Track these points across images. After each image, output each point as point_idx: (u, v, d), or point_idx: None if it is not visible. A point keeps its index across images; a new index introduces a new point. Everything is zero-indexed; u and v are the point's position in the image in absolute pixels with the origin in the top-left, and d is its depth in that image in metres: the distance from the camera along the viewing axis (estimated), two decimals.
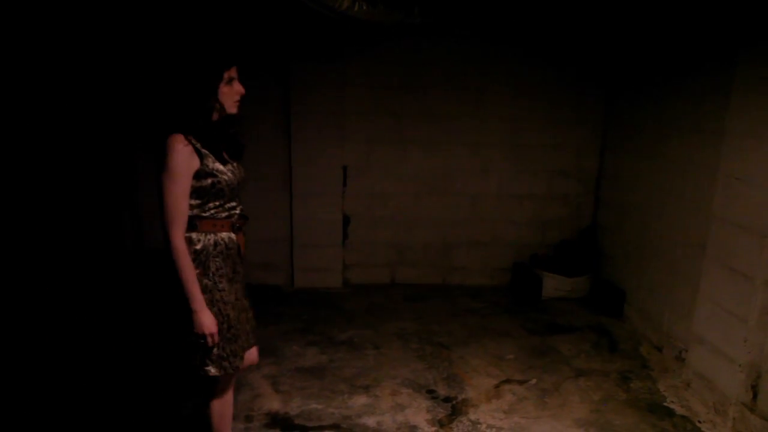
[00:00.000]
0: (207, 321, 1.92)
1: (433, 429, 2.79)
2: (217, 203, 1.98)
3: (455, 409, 2.99)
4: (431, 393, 3.13)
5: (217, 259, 1.99)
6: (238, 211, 2.06)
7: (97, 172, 4.48)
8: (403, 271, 4.92)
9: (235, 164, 2.03)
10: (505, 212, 4.88)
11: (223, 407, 2.24)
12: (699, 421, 2.92)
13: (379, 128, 4.60)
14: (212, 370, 2.00)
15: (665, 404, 3.09)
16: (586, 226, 4.92)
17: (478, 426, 2.83)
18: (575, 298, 4.60)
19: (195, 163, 1.88)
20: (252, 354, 2.26)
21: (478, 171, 4.78)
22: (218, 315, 1.97)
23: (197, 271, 1.91)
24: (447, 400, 3.07)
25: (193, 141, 1.87)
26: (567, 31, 4.48)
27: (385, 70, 4.51)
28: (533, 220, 4.91)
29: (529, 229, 4.93)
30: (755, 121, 2.75)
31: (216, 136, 1.94)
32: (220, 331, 1.97)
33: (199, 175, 1.90)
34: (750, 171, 2.78)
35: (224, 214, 2.01)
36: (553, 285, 4.59)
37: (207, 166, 1.91)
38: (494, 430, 2.80)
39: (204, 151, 1.90)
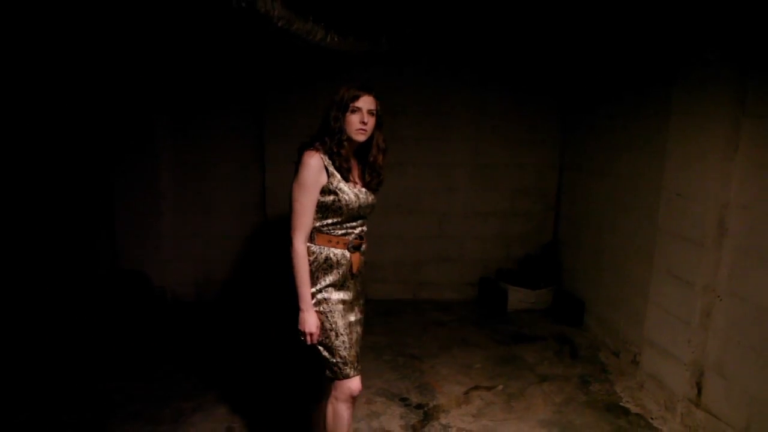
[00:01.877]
0: (309, 320, 2.12)
1: (403, 427, 2.95)
2: (336, 221, 2.16)
3: (427, 414, 3.16)
4: (404, 401, 3.29)
5: (327, 273, 2.16)
6: (357, 232, 2.22)
7: (71, 192, 4.53)
8: (375, 287, 5.08)
9: (364, 189, 2.20)
10: (472, 229, 5.12)
11: (335, 414, 2.28)
12: (651, 418, 3.16)
13: None
14: (327, 372, 2.21)
15: (621, 404, 3.32)
16: (548, 241, 5.19)
17: (449, 429, 3.01)
18: (539, 309, 4.84)
19: (323, 179, 2.10)
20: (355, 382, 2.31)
21: (444, 190, 5.03)
22: (326, 321, 2.16)
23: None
24: (419, 407, 3.24)
25: (325, 159, 2.10)
26: (525, 58, 4.79)
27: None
28: (498, 236, 5.16)
29: (495, 245, 5.17)
30: (691, 144, 3.05)
31: (344, 159, 2.13)
32: (327, 337, 2.16)
33: (323, 191, 2.11)
34: (688, 187, 3.07)
35: (340, 232, 2.18)
36: (517, 297, 4.83)
37: (332, 183, 2.11)
38: None
39: (331, 169, 2.11)
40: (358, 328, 2.29)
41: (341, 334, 2.18)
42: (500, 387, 3.50)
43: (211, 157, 4.79)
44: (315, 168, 2.09)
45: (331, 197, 2.12)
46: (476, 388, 3.49)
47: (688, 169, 3.07)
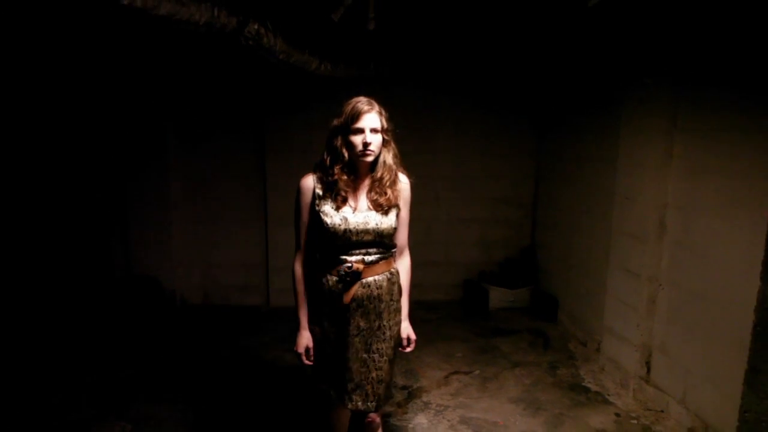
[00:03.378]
0: (300, 341, 2.21)
1: (392, 409, 3.37)
2: (330, 246, 2.11)
3: (411, 394, 3.59)
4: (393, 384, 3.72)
5: (323, 301, 2.17)
6: (353, 260, 2.09)
7: (87, 201, 4.99)
8: None
9: (365, 213, 2.09)
10: (456, 235, 5.58)
11: (332, 424, 2.39)
12: (608, 395, 3.59)
13: None
14: (321, 386, 2.25)
15: (583, 384, 3.76)
16: (526, 245, 5.65)
17: (429, 405, 3.44)
18: (518, 307, 5.28)
19: (311, 201, 2.11)
20: (371, 418, 2.38)
21: (430, 200, 5.49)
22: (318, 345, 2.20)
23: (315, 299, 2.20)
24: (404, 388, 3.67)
25: (316, 181, 2.11)
26: (503, 80, 5.28)
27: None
28: (480, 241, 5.62)
29: (477, 250, 5.63)
30: (636, 154, 3.52)
31: (333, 182, 2.07)
32: (318, 360, 2.22)
33: (314, 214, 2.11)
34: (634, 191, 3.54)
35: (335, 260, 2.11)
36: (498, 297, 5.27)
37: (317, 206, 2.10)
38: (442, 407, 3.41)
39: (319, 192, 2.11)
40: (358, 364, 2.16)
41: (328, 364, 2.19)
42: (477, 372, 3.94)
43: (217, 172, 5.26)
44: (302, 190, 2.12)
45: (319, 220, 2.09)
46: (456, 372, 3.92)
47: (634, 175, 3.55)
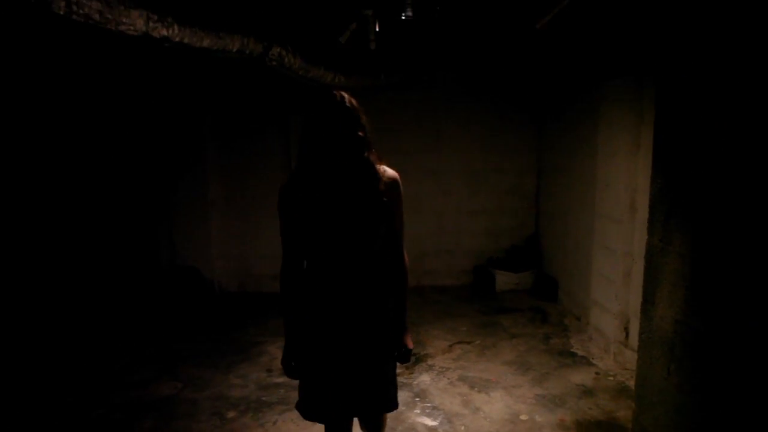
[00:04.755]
0: (282, 354, 2.09)
1: (400, 370, 3.93)
2: (317, 254, 1.97)
3: (418, 359, 4.14)
4: None
5: (309, 311, 2.01)
6: (341, 270, 1.95)
7: (137, 199, 5.69)
8: None
9: (344, 218, 1.90)
10: (465, 225, 6.10)
11: None
12: (592, 358, 4.08)
13: None
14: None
15: (571, 350, 4.25)
16: (531, 233, 6.14)
17: (433, 367, 3.99)
18: (522, 289, 5.78)
19: (286, 208, 1.96)
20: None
21: (440, 193, 6.03)
22: (304, 357, 2.04)
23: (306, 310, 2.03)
24: (413, 354, 4.21)
25: (292, 188, 1.95)
26: (505, 81, 5.79)
27: None
28: (488, 230, 6.13)
29: (485, 238, 6.14)
30: (611, 145, 4.01)
31: (309, 183, 1.92)
32: (302, 373, 2.07)
33: (289, 217, 1.96)
34: (611, 178, 4.02)
35: (320, 267, 1.98)
36: (503, 280, 5.78)
37: (289, 212, 1.96)
38: (444, 369, 3.96)
39: (295, 198, 1.93)
40: (341, 381, 2.01)
41: (308, 378, 2.07)
42: (477, 342, 4.47)
43: (249, 172, 5.90)
44: (283, 193, 1.98)
45: (300, 223, 1.94)
46: (459, 342, 4.46)
47: (611, 164, 4.03)
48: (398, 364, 2.17)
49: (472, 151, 5.98)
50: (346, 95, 1.91)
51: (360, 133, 1.87)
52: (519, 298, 5.60)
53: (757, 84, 1.44)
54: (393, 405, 2.12)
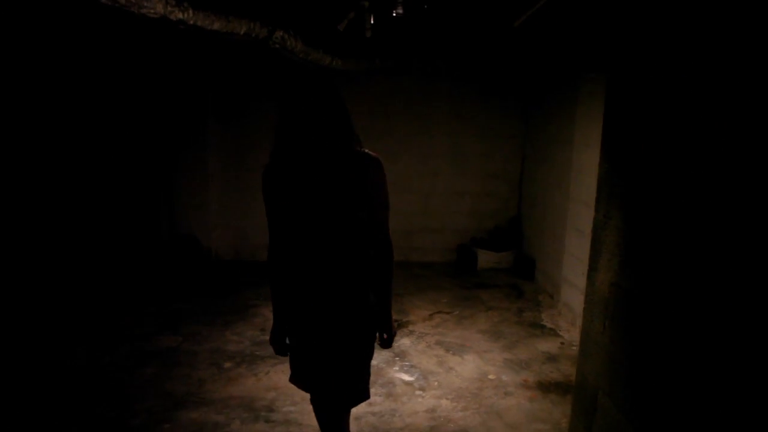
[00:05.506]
0: (270, 333, 2.18)
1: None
2: (296, 239, 1.96)
3: (400, 325, 4.50)
4: None
5: (288, 295, 2.05)
6: (316, 256, 1.95)
7: (141, 171, 5.98)
8: None
9: (322, 201, 1.88)
10: (451, 206, 6.44)
11: (313, 409, 2.27)
12: (559, 330, 4.46)
13: None
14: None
15: (541, 323, 4.62)
16: (513, 216, 6.49)
17: (413, 332, 4.35)
18: (502, 268, 6.14)
19: (267, 192, 1.97)
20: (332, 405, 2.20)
21: (429, 174, 6.35)
22: (290, 337, 2.12)
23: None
24: (396, 321, 4.56)
25: (272, 171, 1.95)
26: (493, 70, 6.09)
27: (358, 100, 6.07)
28: (472, 211, 6.47)
29: (470, 219, 6.49)
30: (585, 135, 4.34)
31: (284, 170, 1.91)
32: (290, 351, 2.15)
33: (271, 201, 1.96)
34: (583, 166, 4.36)
35: (300, 252, 1.98)
36: (485, 258, 6.14)
37: (271, 196, 1.96)
38: (423, 334, 4.32)
39: (275, 182, 1.93)
40: (323, 358, 2.03)
41: (292, 352, 2.15)
42: (456, 312, 4.83)
43: (247, 147, 6.19)
44: (265, 176, 1.97)
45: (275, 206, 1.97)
46: (439, 312, 4.83)
47: (584, 152, 4.36)
48: (377, 351, 2.16)
49: (461, 136, 6.30)
50: (324, 77, 1.91)
51: (338, 116, 1.86)
52: (498, 275, 5.97)
53: (669, 95, 1.75)
54: (362, 397, 2.12)
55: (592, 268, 2.39)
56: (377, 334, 2.11)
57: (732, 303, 1.40)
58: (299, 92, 1.85)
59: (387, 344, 2.15)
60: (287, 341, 2.14)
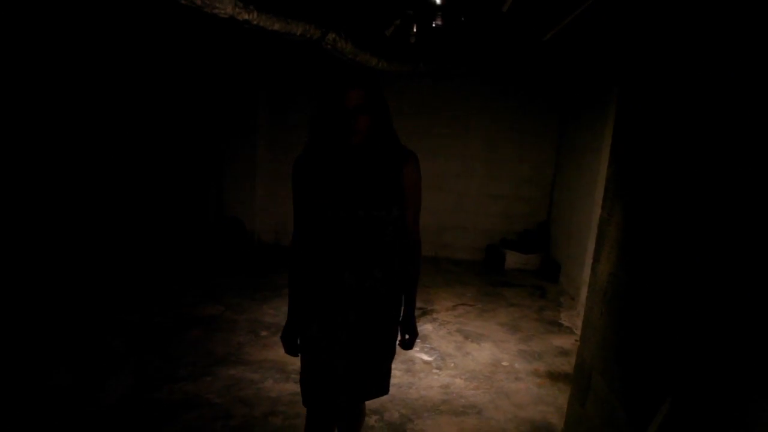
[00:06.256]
0: (283, 330, 2.07)
1: None
2: (324, 233, 1.88)
3: (425, 312, 4.80)
4: None
5: (308, 289, 1.96)
6: (345, 253, 1.87)
7: (195, 158, 6.45)
8: None
9: (356, 197, 1.83)
10: (482, 207, 6.70)
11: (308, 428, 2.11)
12: (576, 329, 4.67)
13: None
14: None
15: (559, 321, 4.85)
16: (543, 220, 6.69)
17: (436, 319, 4.65)
18: (528, 270, 6.36)
19: (296, 181, 1.92)
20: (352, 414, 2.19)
21: (464, 175, 6.63)
22: (301, 343, 2.01)
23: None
24: (420, 308, 4.88)
25: (303, 162, 1.91)
26: (531, 77, 6.32)
27: (399, 100, 6.38)
28: (503, 214, 6.71)
29: (500, 220, 6.72)
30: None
31: (316, 162, 1.88)
32: (302, 351, 2.02)
33: (301, 191, 1.92)
34: None
35: (327, 247, 1.89)
36: (513, 259, 6.37)
37: (299, 185, 1.92)
38: (445, 322, 4.61)
39: (305, 172, 1.89)
40: (344, 360, 1.94)
41: (306, 363, 2.01)
42: (479, 306, 5.10)
43: (294, 142, 6.56)
44: (294, 168, 1.94)
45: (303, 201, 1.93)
46: (462, 305, 5.10)
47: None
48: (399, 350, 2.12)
49: (497, 140, 6.54)
50: (364, 71, 2.00)
51: (377, 110, 1.84)
52: (524, 276, 6.19)
53: (667, 112, 2.00)
54: (384, 391, 2.11)
55: (596, 260, 2.64)
56: (399, 335, 2.08)
57: (706, 295, 1.66)
58: (338, 83, 1.80)
59: (408, 345, 2.12)
60: (301, 342, 2.03)
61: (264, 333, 4.14)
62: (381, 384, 2.09)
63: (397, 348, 2.11)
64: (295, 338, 2.04)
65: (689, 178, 1.77)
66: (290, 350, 2.07)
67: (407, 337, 2.09)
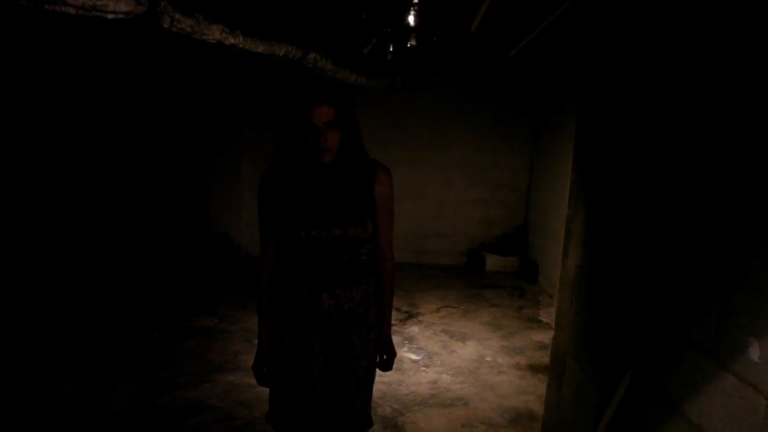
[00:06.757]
0: (253, 360, 1.95)
1: (396, 322, 4.81)
2: (294, 251, 1.81)
3: (410, 315, 5.02)
4: (398, 310, 5.14)
5: (283, 312, 1.87)
6: (316, 271, 1.80)
7: (181, 172, 6.61)
8: None
9: (325, 220, 1.78)
10: (462, 213, 6.95)
11: None
12: (553, 325, 4.91)
13: (373, 152, 6.69)
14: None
15: (538, 318, 5.10)
16: (520, 223, 6.97)
17: (422, 322, 4.87)
18: (508, 271, 6.62)
19: (264, 201, 1.87)
20: None
21: (443, 183, 6.88)
22: (274, 366, 1.91)
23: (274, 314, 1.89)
24: (406, 312, 5.10)
25: (271, 180, 1.86)
26: (505, 88, 6.61)
27: (380, 113, 6.65)
28: (482, 218, 6.97)
29: (480, 225, 6.99)
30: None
31: (285, 180, 1.83)
32: (274, 382, 1.93)
33: (268, 211, 1.87)
34: None
35: (297, 270, 1.82)
36: (493, 262, 6.63)
37: (268, 205, 1.86)
38: (431, 324, 4.84)
39: (274, 191, 1.84)
40: (321, 384, 1.86)
41: (281, 385, 1.91)
42: (462, 307, 5.33)
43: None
44: (261, 186, 1.90)
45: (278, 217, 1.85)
46: (446, 306, 5.33)
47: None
48: (378, 372, 2.03)
49: (474, 147, 6.82)
50: (332, 84, 1.92)
51: (348, 125, 1.80)
52: (504, 278, 6.45)
53: (613, 123, 2.26)
54: (366, 423, 1.99)
55: (565, 255, 2.90)
56: (377, 356, 2.00)
57: (656, 283, 1.92)
58: (307, 99, 1.72)
59: (386, 366, 2.03)
60: (271, 371, 1.93)
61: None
62: (365, 413, 1.99)
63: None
64: (267, 367, 1.94)
65: (636, 180, 2.03)
66: (262, 381, 1.96)
67: (385, 357, 2.02)
